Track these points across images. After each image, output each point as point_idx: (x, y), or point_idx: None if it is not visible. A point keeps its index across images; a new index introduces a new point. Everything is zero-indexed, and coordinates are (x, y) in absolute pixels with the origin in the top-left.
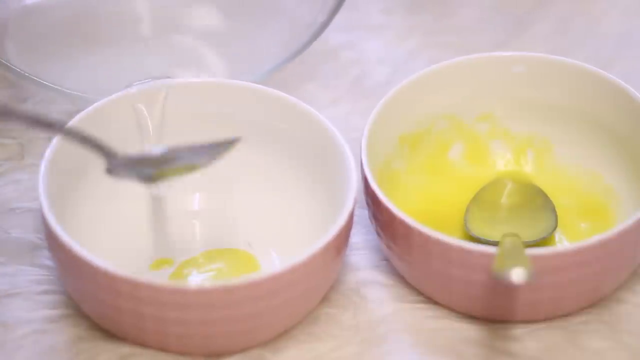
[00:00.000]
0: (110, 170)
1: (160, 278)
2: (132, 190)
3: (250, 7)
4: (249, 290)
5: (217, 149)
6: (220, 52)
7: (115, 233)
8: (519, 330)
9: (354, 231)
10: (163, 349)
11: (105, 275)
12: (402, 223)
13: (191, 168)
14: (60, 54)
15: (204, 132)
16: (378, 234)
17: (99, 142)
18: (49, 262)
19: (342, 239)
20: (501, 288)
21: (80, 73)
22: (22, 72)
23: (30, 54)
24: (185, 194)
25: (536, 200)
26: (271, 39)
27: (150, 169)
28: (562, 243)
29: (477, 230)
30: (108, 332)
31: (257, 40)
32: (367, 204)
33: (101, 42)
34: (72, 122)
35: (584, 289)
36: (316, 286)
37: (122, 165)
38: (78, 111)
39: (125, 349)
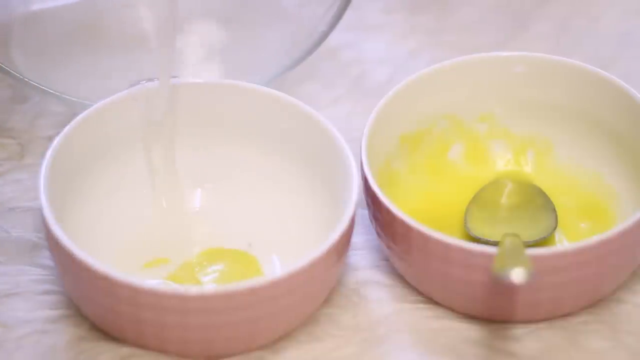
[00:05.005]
0: None
1: (157, 276)
2: (132, 190)
3: (252, 15)
4: (250, 295)
5: None
6: (221, 59)
7: (114, 232)
8: (519, 330)
9: (354, 231)
10: (163, 351)
11: (105, 279)
12: (402, 223)
13: None
14: (64, 59)
15: (204, 132)
16: (378, 234)
17: None
18: (49, 262)
19: (343, 243)
20: (501, 288)
21: (84, 79)
22: (22, 77)
23: (35, 59)
24: (186, 193)
25: (536, 200)
26: (272, 47)
27: None
28: (562, 243)
29: (477, 230)
30: (109, 333)
31: (258, 48)
32: (367, 204)
33: (105, 48)
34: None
35: (584, 289)
36: (317, 291)
37: None
38: (77, 113)
39: (126, 350)
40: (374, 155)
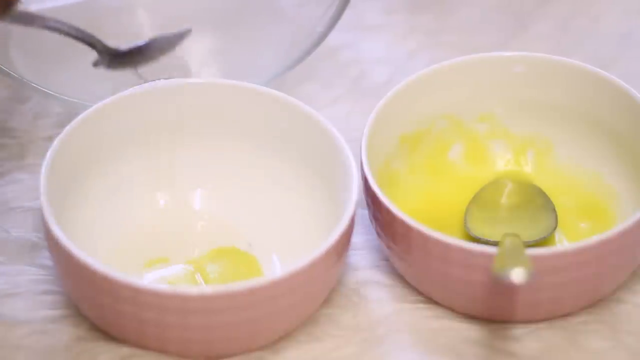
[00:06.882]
0: (97, 63)
1: (157, 276)
2: (132, 190)
3: (251, 15)
4: (250, 295)
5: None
6: (221, 60)
7: (114, 232)
8: (519, 330)
9: (354, 231)
10: (163, 351)
11: (105, 279)
12: (402, 223)
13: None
14: (64, 60)
15: (204, 132)
16: (378, 234)
17: (88, 34)
18: (49, 262)
19: (343, 243)
20: (501, 288)
21: (84, 79)
22: (22, 78)
23: (35, 60)
24: (186, 193)
25: (536, 200)
26: (271, 47)
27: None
28: (562, 243)
29: (477, 230)
30: (109, 333)
31: (258, 48)
32: (367, 204)
33: None
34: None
35: (584, 289)
36: (317, 291)
37: (108, 57)
38: (77, 114)
39: (126, 350)
40: (374, 155)
